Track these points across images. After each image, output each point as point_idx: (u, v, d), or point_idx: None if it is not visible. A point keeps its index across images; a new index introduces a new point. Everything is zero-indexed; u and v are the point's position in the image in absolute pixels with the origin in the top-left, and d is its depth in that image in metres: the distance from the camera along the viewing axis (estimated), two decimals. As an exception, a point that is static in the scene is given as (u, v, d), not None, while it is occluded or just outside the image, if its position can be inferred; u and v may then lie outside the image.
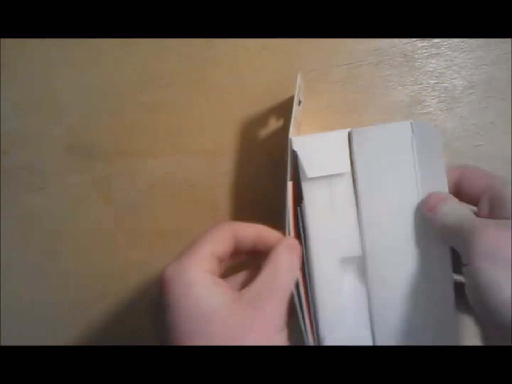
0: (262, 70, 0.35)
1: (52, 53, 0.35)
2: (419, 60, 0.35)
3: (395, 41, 0.34)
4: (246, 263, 0.28)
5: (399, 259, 0.27)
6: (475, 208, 0.27)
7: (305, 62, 0.35)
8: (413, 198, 0.27)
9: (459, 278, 0.27)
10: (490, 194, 0.26)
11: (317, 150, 0.27)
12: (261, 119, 0.35)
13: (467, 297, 0.24)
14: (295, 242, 0.27)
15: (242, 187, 0.35)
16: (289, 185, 0.28)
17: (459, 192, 0.28)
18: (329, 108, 0.35)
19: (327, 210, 0.27)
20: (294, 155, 0.28)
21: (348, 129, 0.27)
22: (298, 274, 0.27)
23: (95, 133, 0.36)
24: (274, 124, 0.35)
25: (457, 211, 0.26)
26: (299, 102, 0.31)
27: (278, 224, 0.28)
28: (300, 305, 0.27)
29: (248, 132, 0.35)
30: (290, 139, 0.27)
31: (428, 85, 0.35)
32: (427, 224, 0.26)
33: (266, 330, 0.23)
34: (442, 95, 0.35)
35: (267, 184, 0.35)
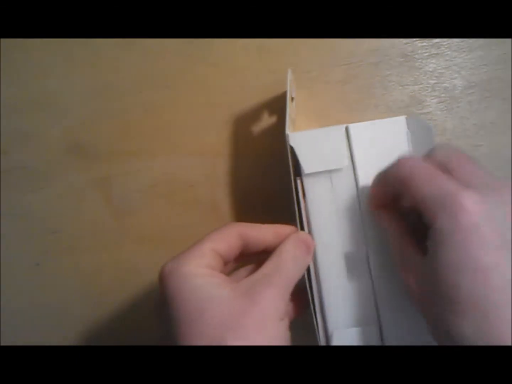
0: (262, 70, 0.35)
1: (52, 53, 0.35)
2: (419, 60, 0.35)
3: (395, 41, 0.34)
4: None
5: None
6: None
7: (304, 62, 0.35)
8: None
9: None
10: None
11: (315, 145, 0.28)
12: (261, 119, 0.35)
13: None
14: (305, 236, 0.27)
15: (242, 187, 0.35)
16: (297, 180, 0.28)
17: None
18: (329, 108, 0.35)
19: (330, 204, 0.28)
20: (292, 151, 0.28)
21: (344, 125, 0.28)
22: (305, 266, 0.27)
23: (95, 133, 0.36)
24: (274, 123, 0.35)
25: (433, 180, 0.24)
26: (292, 99, 0.31)
27: (279, 223, 0.28)
28: (312, 301, 0.28)
29: (248, 132, 0.35)
30: (287, 135, 0.28)
31: (428, 85, 0.35)
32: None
33: (261, 318, 0.23)
34: (442, 95, 0.35)
35: (267, 184, 0.35)
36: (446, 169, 0.24)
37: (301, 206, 0.28)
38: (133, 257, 0.36)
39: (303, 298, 0.28)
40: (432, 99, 0.35)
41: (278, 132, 0.35)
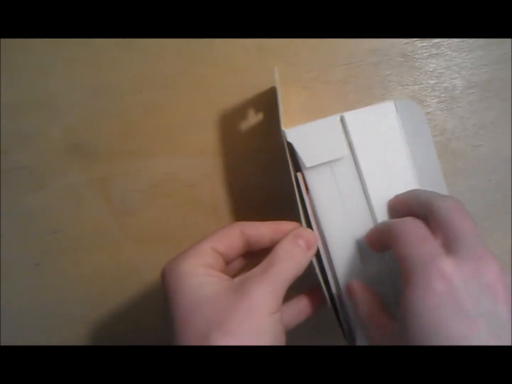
0: (262, 70, 0.35)
1: (52, 53, 0.35)
2: (419, 60, 0.35)
3: (395, 41, 0.34)
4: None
5: None
6: None
7: (304, 62, 0.35)
8: (407, 168, 0.28)
9: None
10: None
11: (312, 138, 0.28)
12: (261, 119, 0.35)
13: None
14: (304, 231, 0.27)
15: (242, 187, 0.35)
16: (298, 176, 0.28)
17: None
18: (329, 108, 0.35)
19: (334, 194, 0.28)
20: (290, 147, 0.28)
21: (338, 114, 0.28)
22: (304, 262, 0.27)
23: (95, 133, 0.36)
24: (266, 122, 0.35)
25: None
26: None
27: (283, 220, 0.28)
28: (330, 296, 0.28)
29: (248, 132, 0.35)
30: (283, 131, 0.28)
31: (428, 85, 0.35)
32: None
33: (247, 312, 0.23)
34: (442, 95, 0.35)
35: (268, 183, 0.35)
36: (437, 227, 0.24)
37: (305, 201, 0.28)
38: (133, 257, 0.36)
39: (318, 294, 0.28)
40: (432, 99, 0.35)
41: (272, 129, 0.35)
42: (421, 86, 0.35)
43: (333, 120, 0.28)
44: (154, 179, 0.36)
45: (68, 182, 0.36)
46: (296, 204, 0.28)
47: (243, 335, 0.23)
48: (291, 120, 0.33)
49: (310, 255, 0.27)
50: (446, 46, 0.34)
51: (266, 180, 0.35)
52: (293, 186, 0.28)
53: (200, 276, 0.24)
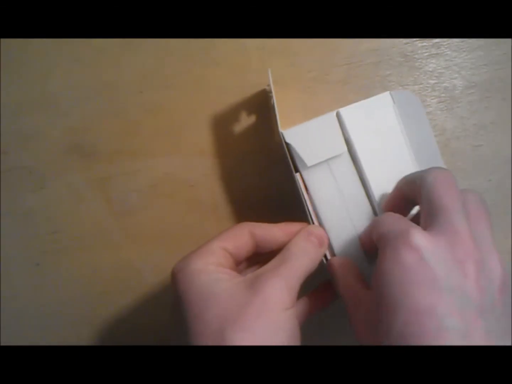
0: (262, 70, 0.35)
1: (52, 53, 0.35)
2: (419, 60, 0.35)
3: (395, 41, 0.34)
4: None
5: None
6: None
7: (304, 62, 0.35)
8: (407, 159, 0.28)
9: None
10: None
11: (310, 137, 0.28)
12: (261, 119, 0.35)
13: None
14: (316, 229, 0.27)
15: (242, 187, 0.35)
16: (297, 176, 0.28)
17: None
18: (329, 108, 0.34)
19: (334, 192, 0.28)
20: (289, 147, 0.28)
21: (334, 111, 0.28)
22: (317, 259, 0.27)
23: (95, 133, 0.36)
24: (261, 122, 0.35)
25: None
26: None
27: (283, 220, 0.28)
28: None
29: (248, 132, 0.35)
30: (282, 133, 0.28)
31: (428, 85, 0.35)
32: None
33: (261, 307, 0.23)
34: (442, 95, 0.35)
35: (268, 184, 0.35)
36: (422, 201, 0.24)
37: (306, 200, 0.28)
38: (133, 257, 0.36)
39: (329, 290, 0.28)
40: (432, 99, 0.35)
41: (271, 130, 0.35)
42: (421, 86, 0.35)
43: (330, 117, 0.28)
44: (154, 179, 0.36)
45: (68, 182, 0.36)
46: (302, 203, 0.28)
47: (258, 331, 0.22)
48: (291, 120, 0.33)
49: (322, 252, 0.27)
50: (446, 46, 0.34)
51: (267, 181, 0.35)
52: (296, 186, 0.28)
53: (212, 273, 0.24)
